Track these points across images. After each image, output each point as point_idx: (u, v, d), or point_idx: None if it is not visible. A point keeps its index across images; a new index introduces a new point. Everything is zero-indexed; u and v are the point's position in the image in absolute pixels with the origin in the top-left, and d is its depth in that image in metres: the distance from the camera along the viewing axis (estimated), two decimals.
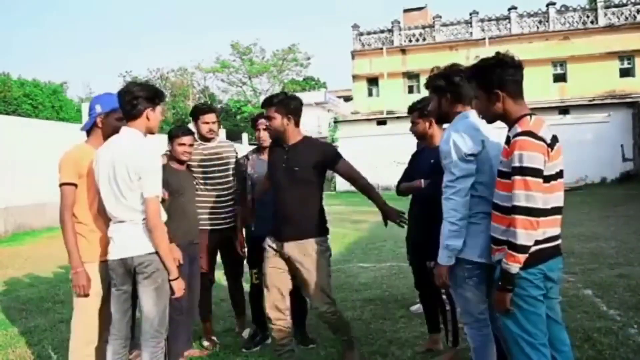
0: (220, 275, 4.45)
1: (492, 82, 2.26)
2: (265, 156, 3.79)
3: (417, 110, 3.52)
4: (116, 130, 2.74)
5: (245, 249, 4.03)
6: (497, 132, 2.55)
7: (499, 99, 2.27)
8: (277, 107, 3.14)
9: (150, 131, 2.73)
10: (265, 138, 3.84)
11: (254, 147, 4.17)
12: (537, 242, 2.17)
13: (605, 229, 9.45)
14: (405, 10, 31.15)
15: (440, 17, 28.83)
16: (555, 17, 26.94)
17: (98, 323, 2.78)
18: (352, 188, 3.36)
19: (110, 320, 2.73)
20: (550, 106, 24.22)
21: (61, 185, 2.73)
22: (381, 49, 29.25)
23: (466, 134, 2.47)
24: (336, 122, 28.07)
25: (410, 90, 28.65)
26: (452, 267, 2.50)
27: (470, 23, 28.23)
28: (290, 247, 3.11)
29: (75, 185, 2.72)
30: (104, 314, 2.77)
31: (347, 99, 33.46)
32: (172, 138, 3.61)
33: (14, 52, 68.30)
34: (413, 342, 3.82)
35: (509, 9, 27.66)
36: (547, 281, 2.25)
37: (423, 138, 3.64)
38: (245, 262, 4.09)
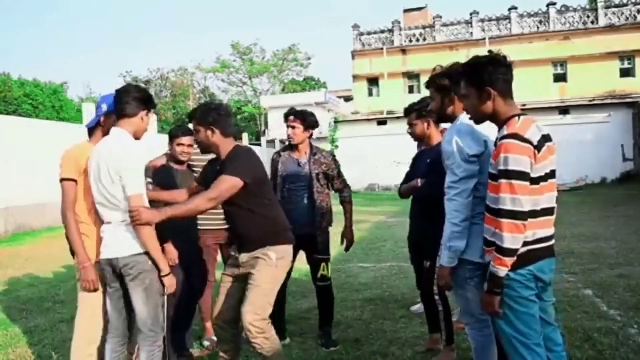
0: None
1: (483, 80, 2.24)
2: (296, 154, 3.83)
3: (414, 112, 3.51)
4: None
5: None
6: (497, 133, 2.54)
7: (489, 97, 2.24)
8: (197, 121, 2.86)
9: (137, 135, 2.72)
10: (294, 135, 3.82)
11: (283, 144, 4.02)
12: (526, 243, 2.15)
13: (605, 229, 9.45)
14: (406, 10, 31.16)
15: (441, 17, 28.86)
16: (556, 17, 26.95)
17: (101, 323, 2.77)
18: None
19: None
20: (551, 106, 24.26)
21: (62, 180, 2.72)
22: (381, 49, 29.27)
23: (469, 135, 2.46)
24: (336, 122, 28.07)
25: (411, 90, 28.66)
26: (453, 268, 2.49)
27: (471, 23, 28.26)
28: (242, 257, 2.98)
29: (75, 181, 2.72)
30: (105, 314, 2.76)
31: (347, 99, 33.40)
32: (172, 138, 3.62)
33: (14, 52, 68.20)
34: (413, 342, 3.82)
35: (509, 9, 27.69)
36: (538, 282, 2.22)
37: (421, 139, 3.63)
38: None
